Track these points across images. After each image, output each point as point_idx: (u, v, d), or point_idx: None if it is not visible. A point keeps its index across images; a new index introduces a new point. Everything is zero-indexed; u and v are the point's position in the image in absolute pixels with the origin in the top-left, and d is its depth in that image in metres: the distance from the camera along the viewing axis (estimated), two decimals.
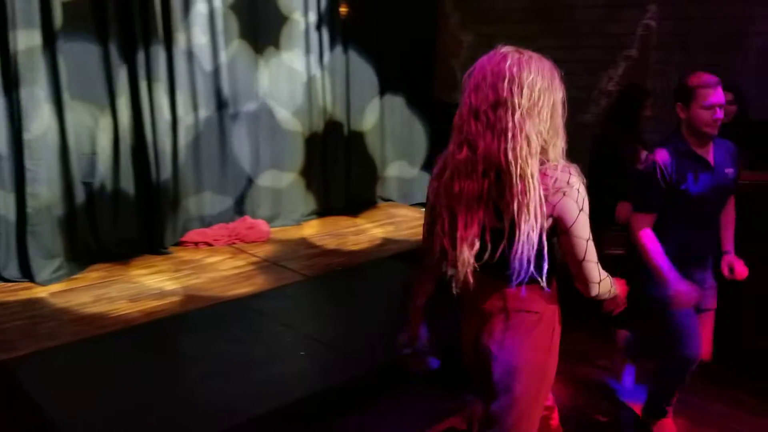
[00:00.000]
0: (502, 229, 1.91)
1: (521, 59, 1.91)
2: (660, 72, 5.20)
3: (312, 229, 5.62)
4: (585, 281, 1.98)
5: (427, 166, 6.72)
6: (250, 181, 5.56)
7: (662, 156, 2.86)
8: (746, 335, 3.86)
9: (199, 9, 5.04)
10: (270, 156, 5.65)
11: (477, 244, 1.94)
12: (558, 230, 1.94)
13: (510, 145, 1.86)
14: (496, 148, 1.88)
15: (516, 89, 1.87)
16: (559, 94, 1.94)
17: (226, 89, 5.27)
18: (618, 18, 5.40)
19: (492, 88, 1.90)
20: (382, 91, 6.38)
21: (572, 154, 2.00)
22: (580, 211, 1.91)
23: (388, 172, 6.53)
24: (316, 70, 5.79)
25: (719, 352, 3.99)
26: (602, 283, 2.00)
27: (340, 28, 5.94)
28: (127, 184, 4.84)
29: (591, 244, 1.95)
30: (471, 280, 1.99)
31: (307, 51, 5.71)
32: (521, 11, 6.04)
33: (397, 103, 6.50)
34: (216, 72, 5.19)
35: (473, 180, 1.92)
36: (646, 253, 2.86)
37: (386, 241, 5.24)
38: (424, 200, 6.80)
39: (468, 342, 2.22)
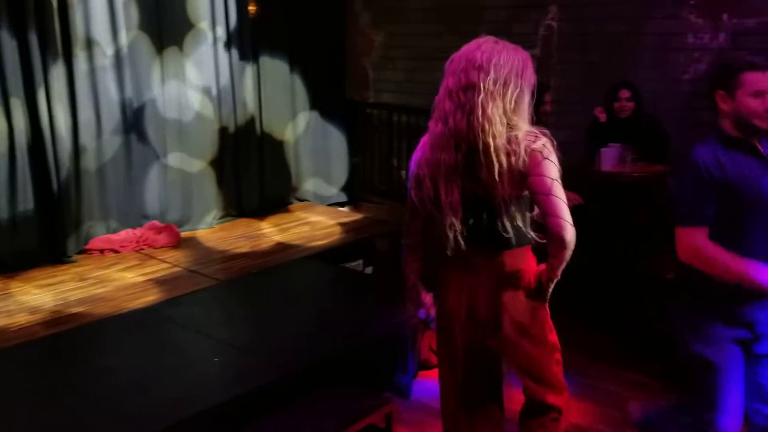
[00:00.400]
0: (480, 197, 2.15)
1: (494, 48, 2.16)
2: (561, 71, 5.40)
3: (225, 232, 5.52)
4: (557, 221, 2.13)
5: (343, 169, 6.73)
6: (157, 185, 5.42)
7: (704, 154, 2.36)
8: (647, 319, 4.06)
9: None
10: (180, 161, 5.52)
11: (460, 209, 2.18)
12: (530, 190, 2.16)
13: (476, 123, 2.10)
14: (464, 125, 2.13)
15: (483, 74, 2.11)
16: (528, 81, 2.18)
17: (129, 84, 5.10)
18: (522, 18, 5.57)
19: (464, 72, 2.14)
20: (294, 89, 6.33)
21: None
22: (544, 158, 2.13)
23: (303, 173, 6.49)
24: (224, 70, 5.69)
25: (621, 336, 4.22)
26: (573, 229, 2.16)
27: (250, 26, 5.86)
28: (25, 189, 4.61)
29: (557, 183, 2.15)
30: (461, 241, 2.21)
31: (215, 48, 5.60)
32: (430, 11, 6.14)
33: (310, 100, 6.46)
34: (118, 63, 5.02)
35: (448, 152, 2.16)
36: (719, 264, 2.33)
37: (301, 242, 5.21)
38: (340, 200, 6.80)
39: (459, 304, 2.36)
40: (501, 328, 2.32)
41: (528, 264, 2.34)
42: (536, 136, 2.15)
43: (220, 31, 5.61)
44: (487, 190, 2.14)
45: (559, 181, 2.16)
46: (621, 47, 5.10)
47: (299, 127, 6.42)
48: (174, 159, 5.47)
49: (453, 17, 5.97)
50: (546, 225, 2.18)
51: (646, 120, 4.54)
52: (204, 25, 5.50)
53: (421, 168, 2.27)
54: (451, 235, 2.20)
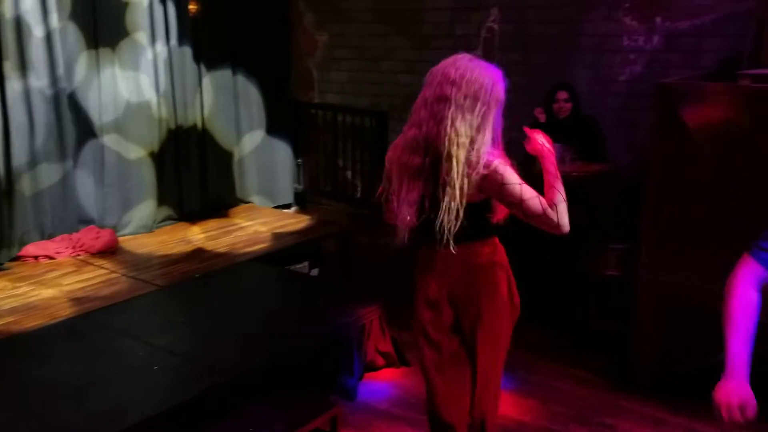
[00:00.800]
0: (439, 199, 2.34)
1: (468, 65, 2.38)
2: (503, 72, 5.46)
3: (165, 236, 5.41)
4: (540, 219, 2.34)
5: (289, 170, 6.68)
6: (94, 188, 5.27)
7: None
8: (590, 317, 4.15)
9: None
10: (115, 164, 5.38)
11: (416, 207, 2.40)
12: (498, 200, 2.41)
13: (443, 132, 2.31)
14: (434, 133, 2.34)
15: (455, 89, 2.32)
16: (495, 98, 2.42)
17: (62, 78, 4.95)
18: (464, 20, 5.62)
19: (439, 86, 2.35)
20: (237, 89, 6.24)
21: None
22: (500, 173, 2.33)
23: (247, 173, 6.41)
24: (162, 72, 5.57)
25: (565, 334, 4.30)
26: (555, 208, 2.33)
27: (189, 25, 5.76)
28: None
29: (525, 186, 2.35)
30: (407, 236, 2.45)
31: (153, 44, 5.47)
32: (374, 11, 6.15)
33: (254, 103, 6.38)
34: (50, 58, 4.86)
35: (417, 155, 2.38)
36: (728, 319, 2.02)
37: (245, 245, 5.15)
38: (285, 202, 6.76)
39: (434, 289, 2.58)
40: (471, 312, 2.58)
41: (485, 256, 2.57)
42: (492, 154, 2.37)
43: (160, 29, 5.49)
44: (445, 194, 2.33)
45: (522, 182, 2.37)
46: (560, 49, 5.21)
47: (243, 128, 6.33)
48: (111, 163, 5.34)
49: (397, 18, 5.99)
50: (536, 226, 2.40)
51: (584, 120, 4.64)
52: (143, 21, 5.38)
53: (392, 165, 2.48)
54: (402, 228, 2.44)
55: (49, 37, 4.83)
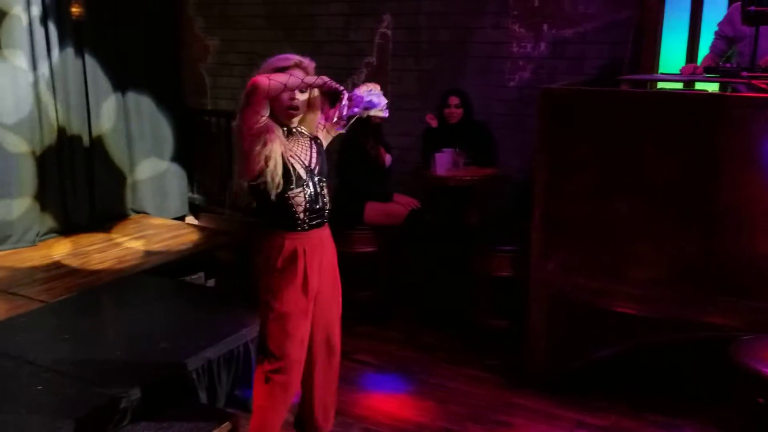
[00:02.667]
0: None
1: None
2: (396, 78, 5.54)
3: (49, 250, 5.13)
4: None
5: (180, 177, 6.49)
6: None
7: None
8: (478, 316, 4.24)
9: None
10: None
11: None
12: None
13: None
14: None
15: None
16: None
17: None
18: (357, 26, 5.65)
19: None
20: (125, 97, 6.02)
21: None
22: None
23: (139, 183, 6.19)
24: (43, 75, 5.29)
25: (458, 333, 4.39)
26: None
27: (72, 28, 5.50)
28: None
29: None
30: None
31: (33, 54, 5.20)
32: (262, 18, 6.08)
33: (143, 109, 6.17)
34: None
35: None
36: None
37: (137, 257, 4.96)
38: (178, 213, 6.56)
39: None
40: None
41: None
42: None
43: (39, 34, 5.21)
44: None
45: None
46: (452, 55, 5.32)
47: (133, 135, 6.11)
48: None
49: (289, 24, 5.95)
50: None
51: (475, 125, 4.76)
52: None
53: None
54: None
55: None
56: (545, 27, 4.98)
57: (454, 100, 4.67)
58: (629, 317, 3.44)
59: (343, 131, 2.81)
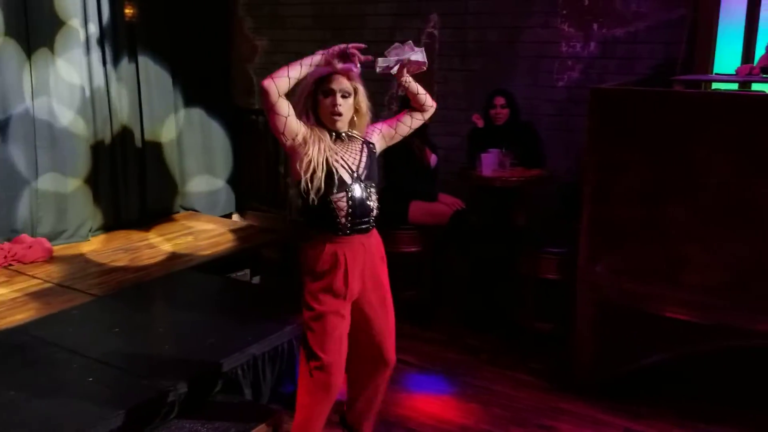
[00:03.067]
0: None
1: None
2: (443, 78, 5.52)
3: (101, 245, 5.26)
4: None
5: (229, 177, 6.59)
6: (27, 197, 5.09)
7: None
8: (523, 318, 4.20)
9: None
10: (51, 169, 5.20)
11: None
12: None
13: None
14: None
15: None
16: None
17: None
18: (404, 26, 5.65)
19: None
20: (179, 97, 6.13)
21: None
22: None
23: (189, 180, 6.30)
24: (99, 74, 5.42)
25: (504, 336, 4.35)
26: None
27: (126, 29, 5.62)
28: None
29: None
30: None
31: (88, 53, 5.33)
32: (310, 17, 6.12)
33: (194, 109, 6.27)
34: None
35: None
36: None
37: (185, 253, 5.05)
38: (225, 211, 6.65)
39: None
40: None
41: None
42: None
43: (93, 40, 5.35)
44: None
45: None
46: (499, 55, 5.27)
47: (183, 134, 6.22)
48: (46, 171, 5.16)
49: (337, 24, 5.97)
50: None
51: (522, 126, 4.70)
52: (75, 23, 5.22)
53: None
54: None
55: None
56: (595, 26, 4.90)
57: (500, 101, 4.62)
58: (679, 323, 3.36)
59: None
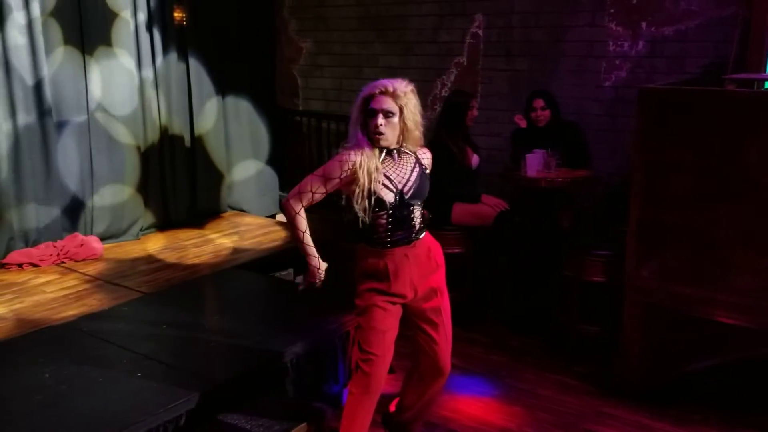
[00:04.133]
0: None
1: None
2: (488, 78, 5.48)
3: (150, 244, 5.37)
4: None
5: (274, 177, 6.66)
6: (79, 196, 5.23)
7: None
8: (568, 321, 4.14)
9: (17, 19, 4.69)
10: (103, 168, 5.34)
11: None
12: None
13: None
14: None
15: None
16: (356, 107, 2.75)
17: (50, 97, 4.90)
18: (448, 27, 5.64)
19: None
20: (226, 99, 6.22)
21: None
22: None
23: (236, 181, 6.39)
24: (148, 76, 5.54)
25: (548, 338, 4.30)
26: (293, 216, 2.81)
27: (176, 32, 5.73)
28: None
29: (311, 176, 2.80)
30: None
31: (138, 55, 5.45)
32: (355, 19, 6.15)
33: (241, 109, 6.36)
34: (38, 83, 4.83)
35: None
36: None
37: (230, 252, 5.12)
38: (270, 211, 6.70)
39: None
40: None
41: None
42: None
43: (144, 35, 5.47)
44: None
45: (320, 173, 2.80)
46: (544, 55, 5.22)
47: (230, 134, 6.31)
48: (99, 172, 5.31)
49: (380, 25, 5.99)
50: None
51: (566, 126, 4.63)
52: (126, 13, 5.34)
53: None
54: None
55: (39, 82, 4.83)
56: (644, 25, 4.81)
57: (539, 103, 4.55)
58: (730, 328, 3.28)
59: None
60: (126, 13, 5.34)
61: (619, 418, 3.46)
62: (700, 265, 3.37)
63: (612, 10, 4.91)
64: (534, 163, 4.38)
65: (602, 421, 3.44)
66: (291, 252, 5.31)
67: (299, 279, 2.97)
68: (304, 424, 2.99)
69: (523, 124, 4.65)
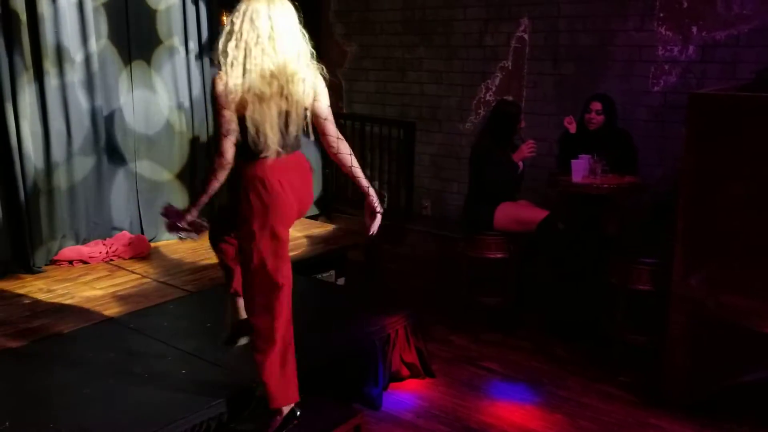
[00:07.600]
0: None
1: None
2: (533, 82, 5.44)
3: (195, 243, 5.43)
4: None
5: (316, 180, 6.68)
6: (128, 192, 5.36)
7: None
8: (613, 329, 4.08)
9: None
10: (149, 165, 5.47)
11: None
12: None
13: None
14: None
15: None
16: None
17: (99, 99, 5.04)
18: (494, 31, 5.61)
19: None
20: None
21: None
22: None
23: None
24: (197, 80, 5.64)
25: (592, 347, 4.24)
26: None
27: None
28: None
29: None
30: None
31: (188, 59, 5.55)
32: (400, 23, 6.17)
33: None
34: (88, 77, 4.97)
35: None
36: None
37: None
38: (312, 213, 6.72)
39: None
40: None
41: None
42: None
43: (192, 43, 5.56)
44: None
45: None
46: (592, 59, 5.16)
47: None
48: (144, 170, 5.42)
49: (425, 29, 6.00)
50: None
51: (617, 133, 4.56)
52: (176, 38, 5.46)
53: None
54: None
55: (88, 66, 4.94)
56: (694, 29, 4.72)
57: (596, 106, 4.49)
58: None
59: None
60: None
61: (664, 429, 3.39)
62: (750, 275, 3.29)
63: (661, 14, 4.82)
64: (579, 168, 4.33)
65: (646, 431, 3.38)
66: (333, 254, 5.35)
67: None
68: (344, 424, 3.01)
69: (573, 128, 4.59)
